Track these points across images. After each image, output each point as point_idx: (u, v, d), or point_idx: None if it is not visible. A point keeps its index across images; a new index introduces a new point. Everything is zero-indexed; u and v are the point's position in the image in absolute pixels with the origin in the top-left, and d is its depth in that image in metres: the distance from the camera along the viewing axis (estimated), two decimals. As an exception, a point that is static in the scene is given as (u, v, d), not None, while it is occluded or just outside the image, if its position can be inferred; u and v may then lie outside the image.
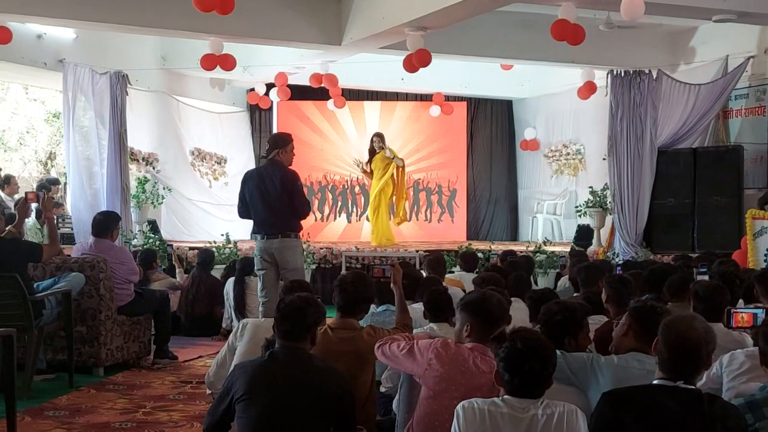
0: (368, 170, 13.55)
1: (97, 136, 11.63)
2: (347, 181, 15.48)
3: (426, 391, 3.80)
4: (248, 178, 7.49)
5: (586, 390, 3.76)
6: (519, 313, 5.64)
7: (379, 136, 13.52)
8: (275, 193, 7.20)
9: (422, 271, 8.94)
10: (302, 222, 7.50)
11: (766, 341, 3.46)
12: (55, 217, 7.10)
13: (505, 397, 3.16)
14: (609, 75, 11.86)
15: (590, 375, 3.75)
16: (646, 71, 11.80)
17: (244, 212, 7.50)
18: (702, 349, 3.07)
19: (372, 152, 13.47)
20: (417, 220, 15.53)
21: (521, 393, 3.14)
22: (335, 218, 15.45)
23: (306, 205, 7.51)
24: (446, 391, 3.69)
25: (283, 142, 7.43)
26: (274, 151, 7.32)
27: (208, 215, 14.54)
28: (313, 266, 11.56)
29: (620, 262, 9.82)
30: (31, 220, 10.04)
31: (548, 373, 3.16)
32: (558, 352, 3.84)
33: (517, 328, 3.34)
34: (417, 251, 12.05)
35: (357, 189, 15.41)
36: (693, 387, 3.05)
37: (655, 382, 3.10)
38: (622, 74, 11.82)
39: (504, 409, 3.13)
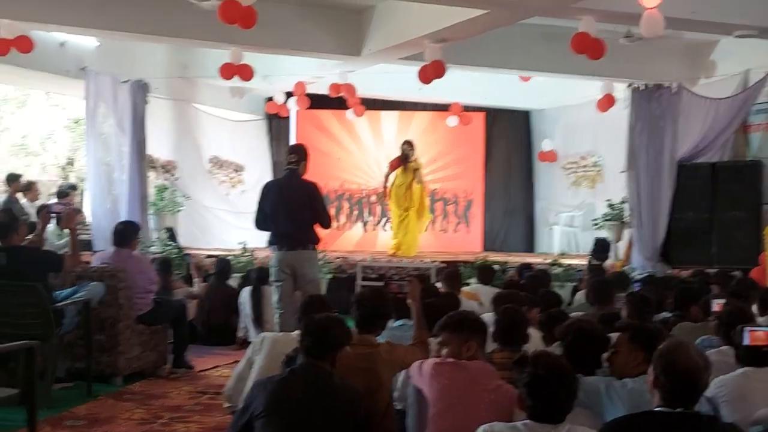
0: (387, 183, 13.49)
1: (118, 143, 11.71)
2: (363, 191, 15.50)
3: (431, 408, 3.79)
4: (269, 190, 7.49)
5: (603, 414, 3.75)
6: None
7: (409, 144, 13.43)
8: (298, 206, 7.22)
9: (437, 284, 8.98)
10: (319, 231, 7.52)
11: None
12: (79, 227, 7.13)
13: (527, 421, 3.16)
14: (629, 88, 11.83)
15: (605, 399, 3.75)
16: (666, 85, 11.77)
17: (262, 224, 7.51)
18: (701, 377, 3.11)
19: (405, 158, 13.32)
20: (433, 230, 15.52)
21: (543, 418, 3.14)
22: (351, 227, 15.48)
23: (329, 217, 7.58)
24: (450, 408, 3.68)
25: (306, 153, 7.47)
26: (302, 163, 7.34)
27: (225, 223, 14.60)
28: (329, 276, 11.56)
29: (638, 278, 9.80)
30: (51, 226, 10.10)
31: (570, 398, 3.17)
32: None
33: (540, 353, 3.34)
34: (433, 262, 12.05)
35: (373, 198, 15.42)
36: (691, 412, 3.06)
37: (656, 409, 3.11)
38: (642, 87, 11.79)
39: None
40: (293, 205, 7.24)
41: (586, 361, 3.98)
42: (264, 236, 14.56)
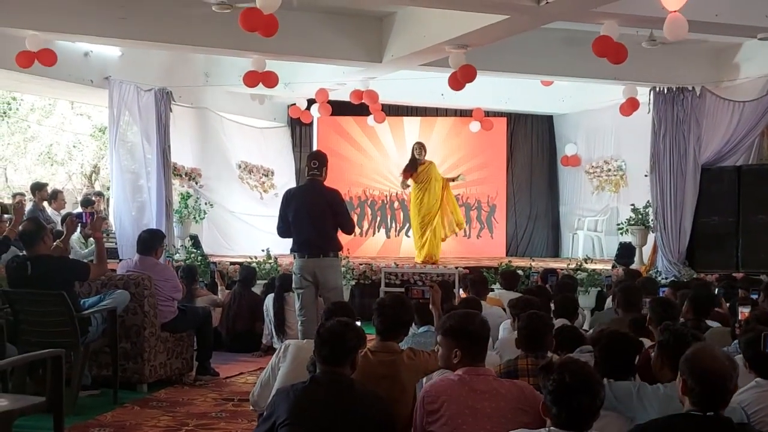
0: (406, 184, 13.32)
1: (142, 151, 11.80)
2: (386, 197, 15.54)
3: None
4: (291, 198, 7.49)
5: (634, 419, 3.73)
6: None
7: (420, 145, 13.23)
8: (320, 213, 7.23)
9: (460, 290, 8.98)
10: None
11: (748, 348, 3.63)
12: (104, 236, 7.18)
13: (552, 429, 3.14)
14: (652, 92, 11.79)
15: (637, 404, 3.73)
16: (690, 88, 11.71)
17: (284, 231, 7.51)
18: (729, 379, 3.09)
19: (414, 162, 13.07)
20: (456, 236, 15.48)
21: (568, 426, 3.10)
22: (374, 233, 15.51)
23: (352, 224, 7.58)
24: (457, 428, 3.66)
25: (326, 160, 7.49)
26: (324, 169, 7.37)
27: (250, 228, 14.70)
28: (353, 282, 11.57)
29: (663, 282, 9.73)
30: (76, 234, 10.20)
31: (597, 407, 3.12)
32: (604, 380, 3.84)
33: (566, 359, 3.31)
34: (456, 268, 12.04)
35: (396, 204, 15.46)
36: (723, 416, 3.05)
37: (686, 412, 3.10)
38: (665, 91, 11.75)
39: None
40: (315, 212, 7.24)
41: (618, 367, 3.96)
42: (288, 243, 14.77)
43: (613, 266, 12.35)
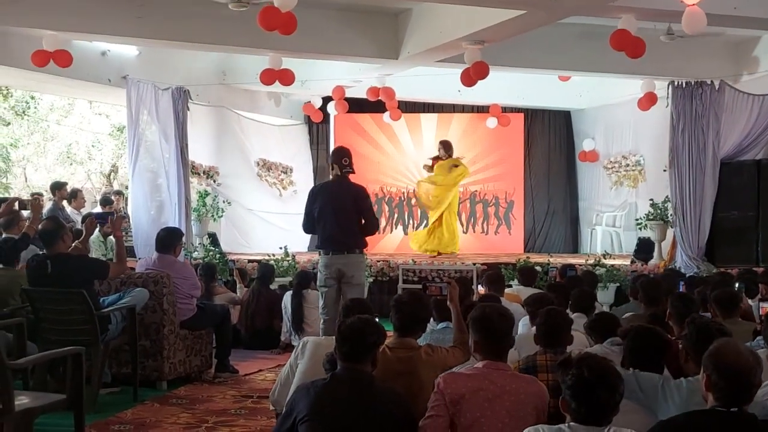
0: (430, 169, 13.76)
1: (160, 150, 11.84)
2: (404, 193, 15.52)
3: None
4: (317, 194, 7.47)
5: (656, 411, 3.72)
6: (582, 330, 5.59)
7: (444, 144, 13.70)
8: (347, 210, 7.21)
9: (478, 286, 8.96)
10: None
11: None
12: (123, 234, 7.22)
13: (571, 424, 3.13)
14: (670, 86, 11.72)
15: (660, 397, 3.72)
16: (708, 82, 11.64)
17: (309, 227, 7.51)
18: (754, 375, 3.07)
19: (437, 158, 13.68)
20: (474, 232, 15.49)
21: (588, 421, 3.10)
22: (392, 230, 15.49)
23: (376, 222, 7.57)
24: (475, 421, 3.67)
25: (351, 157, 7.45)
26: (352, 167, 7.34)
27: (268, 226, 14.75)
28: (370, 279, 11.58)
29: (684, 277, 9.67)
30: (96, 233, 10.26)
31: (616, 401, 3.11)
32: (630, 370, 3.83)
33: (585, 355, 3.30)
34: (474, 264, 12.02)
35: (413, 201, 15.44)
36: (746, 412, 3.03)
37: (709, 408, 3.09)
38: (684, 85, 11.68)
39: None
40: (341, 209, 7.21)
41: (646, 361, 3.95)
42: (306, 240, 14.80)
43: (632, 262, 12.29)
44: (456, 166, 13.66)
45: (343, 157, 7.42)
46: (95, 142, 22.77)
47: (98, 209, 12.84)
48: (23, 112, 21.13)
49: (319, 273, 7.45)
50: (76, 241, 7.25)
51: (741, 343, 3.28)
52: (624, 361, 3.97)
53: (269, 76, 10.88)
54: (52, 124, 22.21)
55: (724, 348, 3.12)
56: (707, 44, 11.88)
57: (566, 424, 3.15)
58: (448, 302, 5.09)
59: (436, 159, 13.75)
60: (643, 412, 3.75)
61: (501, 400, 3.67)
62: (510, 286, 9.76)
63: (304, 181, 15.80)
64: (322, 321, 7.36)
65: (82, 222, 9.72)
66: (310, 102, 14.61)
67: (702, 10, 7.75)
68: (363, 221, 7.32)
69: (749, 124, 11.67)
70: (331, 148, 15.43)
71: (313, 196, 7.48)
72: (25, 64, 10.12)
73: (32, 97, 20.92)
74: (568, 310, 6.10)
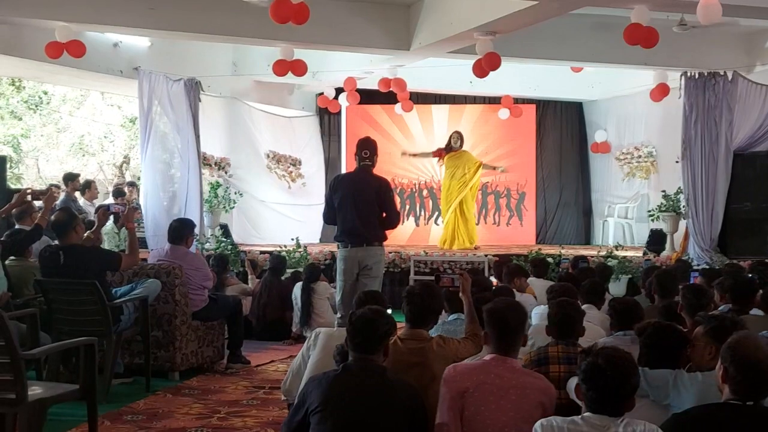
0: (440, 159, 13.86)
1: (172, 142, 11.86)
2: (415, 185, 15.52)
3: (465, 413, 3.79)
4: (339, 184, 7.34)
5: (669, 405, 3.71)
6: (593, 321, 5.59)
7: (458, 134, 13.81)
8: (368, 203, 7.11)
9: (491, 278, 8.95)
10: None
11: None
12: (136, 226, 7.22)
13: (585, 414, 3.14)
14: (683, 77, 11.66)
15: (672, 391, 3.71)
16: (721, 73, 11.58)
17: (330, 218, 7.38)
18: None
19: (448, 147, 13.72)
20: (485, 223, 15.47)
21: (600, 409, 3.11)
22: (403, 222, 15.44)
23: (397, 216, 7.45)
24: (479, 413, 3.68)
25: (376, 148, 7.35)
26: (375, 158, 7.26)
27: (281, 216, 14.79)
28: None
29: (696, 268, 9.64)
30: (108, 225, 10.30)
31: (627, 390, 3.12)
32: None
33: (604, 346, 3.31)
34: (486, 255, 12.02)
35: (425, 192, 15.44)
36: (762, 406, 3.02)
37: (724, 401, 3.08)
38: (696, 76, 11.62)
39: (584, 428, 3.10)
40: (362, 201, 7.10)
41: (662, 357, 3.93)
42: (318, 232, 14.76)
43: (644, 253, 12.26)
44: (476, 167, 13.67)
45: (363, 149, 7.28)
46: (107, 134, 22.83)
47: (111, 200, 12.88)
48: (36, 106, 21.21)
49: (337, 266, 7.35)
50: (89, 232, 7.27)
51: (760, 336, 3.27)
52: (640, 358, 3.94)
53: (282, 67, 10.88)
54: (64, 115, 22.28)
55: (743, 341, 3.11)
56: (720, 35, 11.81)
57: (580, 416, 3.16)
58: (460, 294, 5.09)
59: (447, 149, 13.69)
60: (655, 408, 3.74)
61: (507, 394, 3.69)
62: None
63: (313, 173, 15.81)
64: (339, 315, 7.25)
65: (95, 213, 9.76)
66: (324, 94, 14.60)
67: (717, 0, 7.70)
68: (384, 215, 7.23)
69: (762, 115, 11.63)
70: (343, 139, 15.53)
71: (334, 185, 7.37)
72: (38, 55, 10.16)
73: (45, 92, 21.00)
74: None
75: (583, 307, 5.74)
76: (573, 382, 3.92)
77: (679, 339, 4.05)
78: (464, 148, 13.88)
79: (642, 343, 4.07)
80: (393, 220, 7.35)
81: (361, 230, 7.14)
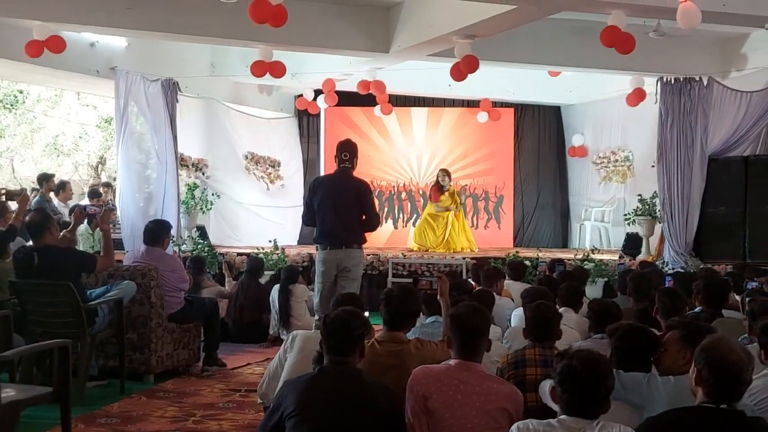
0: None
1: (149, 142, 11.78)
2: (394, 187, 15.53)
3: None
4: (318, 186, 7.34)
5: (642, 409, 3.73)
6: (570, 324, 5.61)
7: (444, 172, 13.78)
8: (347, 205, 7.11)
9: (470, 280, 8.95)
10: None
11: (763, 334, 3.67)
12: (111, 227, 7.17)
13: (561, 417, 3.16)
14: (659, 82, 11.74)
15: (646, 394, 3.72)
16: (697, 78, 11.67)
17: (309, 220, 7.39)
18: (745, 372, 3.06)
19: (441, 187, 13.65)
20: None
21: (576, 412, 3.13)
22: (382, 224, 15.45)
23: (377, 218, 7.46)
24: (443, 419, 3.68)
25: (356, 150, 7.33)
26: (354, 160, 7.24)
27: (258, 218, 14.74)
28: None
29: (670, 272, 9.71)
30: (83, 226, 10.22)
31: (602, 392, 3.14)
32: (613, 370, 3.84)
33: (578, 349, 3.33)
34: (464, 258, 12.04)
35: (404, 195, 15.46)
36: (736, 409, 3.03)
37: (699, 404, 3.09)
38: (672, 81, 11.70)
39: (559, 431, 3.12)
40: (341, 203, 7.11)
41: (634, 362, 3.93)
42: (296, 234, 14.71)
43: (620, 257, 12.33)
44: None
45: (343, 151, 7.29)
46: (82, 134, 22.66)
47: (86, 201, 12.77)
48: (11, 105, 21.02)
49: (316, 267, 7.36)
50: (64, 231, 7.21)
51: (734, 339, 3.28)
52: (611, 359, 3.96)
53: (260, 68, 10.84)
54: (38, 114, 22.10)
55: (717, 343, 3.12)
56: (696, 41, 11.91)
57: (556, 419, 3.17)
58: (438, 296, 5.09)
59: (440, 189, 13.65)
60: (629, 410, 3.75)
61: (471, 400, 3.68)
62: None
63: (292, 174, 15.77)
64: (316, 318, 7.25)
65: (70, 214, 9.67)
66: (302, 95, 14.57)
67: (696, 5, 7.76)
68: (364, 217, 7.23)
69: (737, 120, 11.71)
70: (322, 141, 15.52)
71: (314, 187, 7.38)
72: (14, 54, 10.09)
73: (20, 92, 20.81)
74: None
75: (561, 310, 5.76)
76: (545, 385, 3.94)
77: (650, 342, 4.06)
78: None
79: (613, 345, 4.09)
80: (373, 223, 7.36)
81: (340, 232, 7.15)
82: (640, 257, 12.12)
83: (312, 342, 4.83)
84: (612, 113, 14.89)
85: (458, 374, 3.76)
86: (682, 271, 10.02)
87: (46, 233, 6.55)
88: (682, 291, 5.89)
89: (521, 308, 6.47)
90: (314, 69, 13.10)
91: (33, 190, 12.30)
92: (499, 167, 15.66)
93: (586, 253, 12.11)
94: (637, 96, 12.20)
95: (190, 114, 13.08)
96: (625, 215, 13.17)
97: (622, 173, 14.92)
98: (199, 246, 11.82)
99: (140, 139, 11.78)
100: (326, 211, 7.16)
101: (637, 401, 3.76)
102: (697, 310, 5.89)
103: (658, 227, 12.25)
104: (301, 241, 14.64)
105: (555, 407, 3.28)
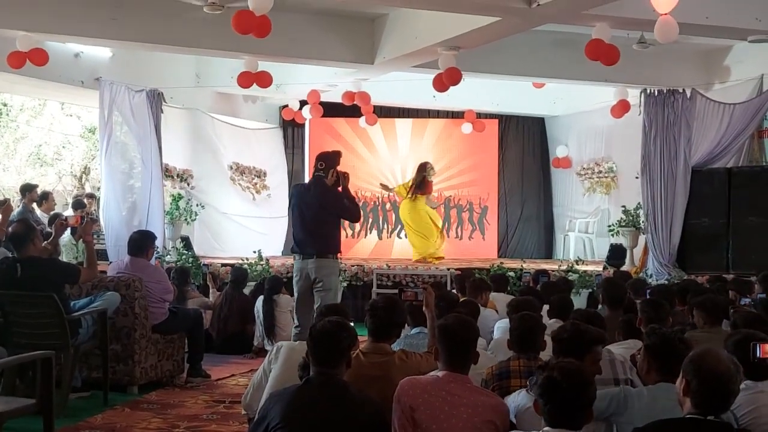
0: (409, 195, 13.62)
1: (133, 153, 11.75)
2: (378, 198, 15.52)
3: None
4: (293, 196, 7.58)
5: (613, 421, 3.74)
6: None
7: (431, 166, 13.80)
8: (312, 212, 7.20)
9: (453, 290, 8.97)
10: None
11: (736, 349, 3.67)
12: (94, 238, 7.14)
13: (545, 429, 3.16)
14: (642, 94, 11.80)
15: (621, 407, 3.72)
16: (680, 90, 11.73)
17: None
18: (734, 383, 3.08)
19: (427, 183, 13.62)
20: (448, 237, 15.49)
21: (559, 423, 3.14)
22: (366, 235, 15.48)
23: (356, 208, 7.49)
24: (429, 430, 3.68)
25: (335, 161, 7.39)
26: (331, 170, 7.27)
27: (243, 229, 14.69)
28: (344, 284, 11.56)
29: (653, 283, 9.74)
30: (66, 237, 10.17)
31: (584, 403, 3.15)
32: None
33: (559, 361, 3.34)
34: (448, 269, 12.05)
35: (388, 206, 15.45)
36: (723, 421, 3.04)
37: (686, 415, 3.09)
38: (656, 93, 11.76)
39: None
40: (310, 212, 7.20)
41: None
42: (280, 244, 14.69)
43: (605, 267, 12.37)
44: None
45: (319, 161, 7.44)
46: (66, 144, 22.56)
47: (69, 212, 12.71)
48: (-4, 117, 20.92)
49: (293, 277, 7.45)
50: (46, 242, 7.18)
51: (722, 350, 3.29)
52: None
53: (246, 79, 10.82)
54: (21, 124, 21.98)
55: (706, 354, 3.13)
56: (679, 53, 12.00)
57: (540, 430, 3.17)
58: (423, 308, 5.09)
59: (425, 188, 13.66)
60: (602, 424, 3.77)
61: (458, 412, 3.68)
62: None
63: (278, 185, 15.75)
64: (294, 325, 7.34)
65: (50, 224, 9.62)
66: (288, 106, 14.57)
67: (674, 19, 7.82)
68: (340, 217, 7.29)
69: (720, 132, 11.77)
70: (307, 152, 15.51)
71: (291, 197, 7.58)
72: (-4, 65, 10.03)
73: (5, 104, 20.72)
74: (546, 317, 6.14)
75: (551, 321, 5.78)
76: (516, 398, 3.94)
77: (584, 341, 4.04)
78: (427, 159, 14.00)
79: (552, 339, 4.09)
80: (351, 214, 7.45)
81: (308, 242, 7.25)
82: (624, 268, 12.17)
83: (297, 353, 4.83)
84: (596, 125, 14.96)
85: (446, 386, 3.75)
86: (658, 283, 10.02)
87: (29, 244, 6.52)
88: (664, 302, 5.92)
89: (506, 320, 6.48)
90: (299, 80, 13.11)
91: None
92: (484, 178, 15.69)
93: (570, 264, 12.15)
94: (621, 108, 12.27)
95: (175, 124, 13.05)
96: (609, 226, 13.22)
97: (606, 184, 14.98)
98: (184, 257, 11.78)
99: (124, 150, 11.76)
100: (296, 220, 7.34)
101: (611, 416, 3.76)
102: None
103: (642, 238, 12.30)
104: (286, 251, 14.61)
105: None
